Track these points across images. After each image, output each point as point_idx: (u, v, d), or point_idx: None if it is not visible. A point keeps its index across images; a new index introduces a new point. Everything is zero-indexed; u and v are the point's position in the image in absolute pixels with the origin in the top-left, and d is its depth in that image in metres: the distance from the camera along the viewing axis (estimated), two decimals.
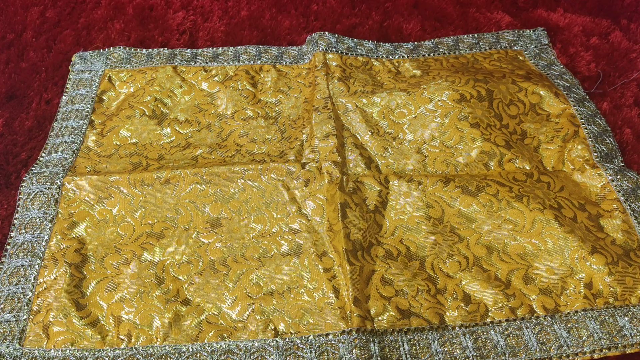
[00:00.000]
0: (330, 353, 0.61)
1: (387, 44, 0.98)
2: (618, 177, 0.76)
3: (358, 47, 0.97)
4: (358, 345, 0.60)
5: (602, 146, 0.81)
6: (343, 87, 0.89)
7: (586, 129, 0.83)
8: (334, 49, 0.94)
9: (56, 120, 0.85)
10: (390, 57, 0.96)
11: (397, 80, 0.92)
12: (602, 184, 0.76)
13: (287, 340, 0.63)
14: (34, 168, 0.78)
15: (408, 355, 0.62)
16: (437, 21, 1.04)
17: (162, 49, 0.95)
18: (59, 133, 0.83)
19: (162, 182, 0.75)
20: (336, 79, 0.90)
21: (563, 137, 0.83)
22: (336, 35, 0.96)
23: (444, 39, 0.99)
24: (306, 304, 0.65)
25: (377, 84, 0.91)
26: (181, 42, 0.98)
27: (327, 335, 0.63)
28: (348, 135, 0.83)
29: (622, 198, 0.74)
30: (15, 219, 0.72)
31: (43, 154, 0.80)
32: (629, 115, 0.87)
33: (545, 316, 0.64)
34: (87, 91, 0.89)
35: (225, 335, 0.63)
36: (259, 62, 0.95)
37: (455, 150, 0.81)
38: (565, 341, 0.62)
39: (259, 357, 0.62)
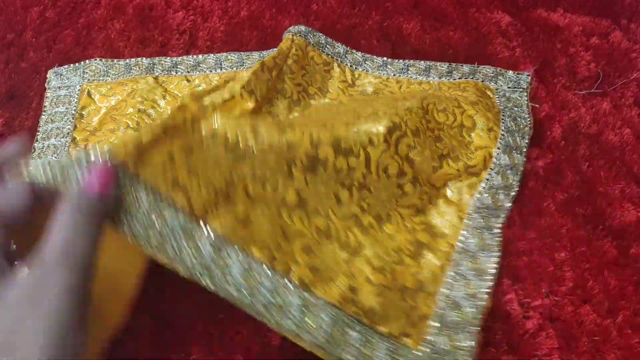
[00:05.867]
0: None
1: (358, 53, 0.93)
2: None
3: (328, 45, 0.92)
4: None
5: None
6: (289, 73, 0.82)
7: (488, 177, 0.76)
8: (303, 36, 0.89)
9: (37, 141, 0.80)
10: (355, 67, 0.91)
11: (344, 93, 0.86)
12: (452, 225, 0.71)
13: None
14: None
15: None
16: (437, 21, 1.04)
17: (140, 59, 0.91)
18: (41, 154, 0.78)
19: None
20: (291, 61, 0.83)
21: (467, 169, 0.76)
22: (310, 29, 0.91)
23: (417, 63, 0.93)
24: None
25: (324, 89, 0.86)
26: (181, 42, 0.98)
27: None
28: None
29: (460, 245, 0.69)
30: None
31: None
32: (629, 115, 0.87)
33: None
34: (67, 108, 0.84)
35: None
36: (242, 68, 0.90)
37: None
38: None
39: None
